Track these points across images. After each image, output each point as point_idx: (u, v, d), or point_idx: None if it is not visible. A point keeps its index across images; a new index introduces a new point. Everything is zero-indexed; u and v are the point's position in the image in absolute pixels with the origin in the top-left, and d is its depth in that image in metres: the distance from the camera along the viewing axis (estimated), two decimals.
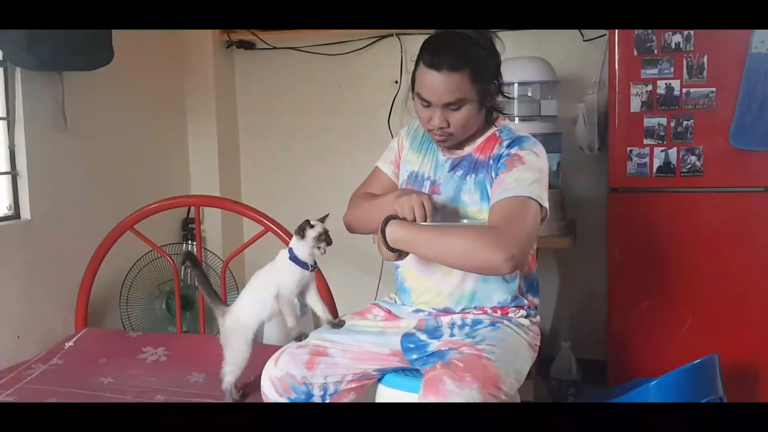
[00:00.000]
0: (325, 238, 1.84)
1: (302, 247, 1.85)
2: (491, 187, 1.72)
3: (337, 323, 1.86)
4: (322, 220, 1.87)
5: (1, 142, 2.42)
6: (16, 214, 2.45)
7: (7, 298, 2.37)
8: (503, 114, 1.83)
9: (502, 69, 1.76)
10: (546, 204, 1.69)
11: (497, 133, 1.78)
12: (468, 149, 1.80)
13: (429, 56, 1.65)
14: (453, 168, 1.80)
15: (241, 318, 1.96)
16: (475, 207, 1.75)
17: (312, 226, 1.84)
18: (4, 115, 2.41)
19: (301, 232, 1.84)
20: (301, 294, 1.92)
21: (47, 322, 2.53)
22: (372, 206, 1.83)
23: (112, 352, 2.42)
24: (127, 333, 2.64)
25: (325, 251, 1.85)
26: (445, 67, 1.63)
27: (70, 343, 2.46)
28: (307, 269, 1.88)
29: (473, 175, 1.76)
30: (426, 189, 1.82)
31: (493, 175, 1.72)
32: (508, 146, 1.72)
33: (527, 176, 1.66)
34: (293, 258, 1.86)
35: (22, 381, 2.19)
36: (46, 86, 2.49)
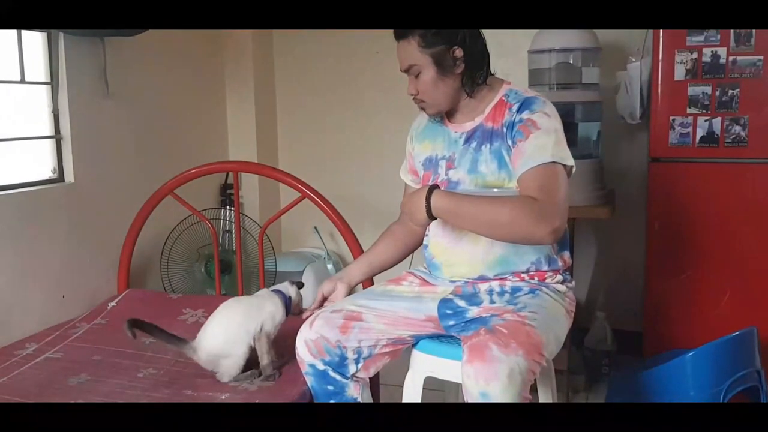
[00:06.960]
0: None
1: (293, 296, 2.02)
2: (509, 156, 1.72)
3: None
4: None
5: (46, 106, 2.46)
6: (60, 178, 2.51)
7: (53, 259, 2.43)
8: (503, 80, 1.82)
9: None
10: (570, 162, 1.69)
11: (504, 98, 1.77)
12: (478, 119, 1.79)
13: None
14: (467, 141, 1.80)
15: (217, 352, 1.92)
16: (493, 177, 1.75)
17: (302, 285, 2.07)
18: (48, 80, 2.45)
19: (300, 285, 2.07)
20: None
21: (91, 283, 2.59)
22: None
23: (154, 313, 2.45)
24: (167, 294, 2.70)
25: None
26: (398, 36, 1.75)
27: (113, 304, 2.52)
28: (287, 315, 1.99)
29: (488, 145, 1.76)
30: (442, 168, 1.84)
31: (510, 143, 1.71)
32: (519, 110, 1.71)
33: (546, 141, 1.66)
34: (287, 303, 1.99)
35: (68, 339, 2.26)
36: (89, 52, 2.52)
